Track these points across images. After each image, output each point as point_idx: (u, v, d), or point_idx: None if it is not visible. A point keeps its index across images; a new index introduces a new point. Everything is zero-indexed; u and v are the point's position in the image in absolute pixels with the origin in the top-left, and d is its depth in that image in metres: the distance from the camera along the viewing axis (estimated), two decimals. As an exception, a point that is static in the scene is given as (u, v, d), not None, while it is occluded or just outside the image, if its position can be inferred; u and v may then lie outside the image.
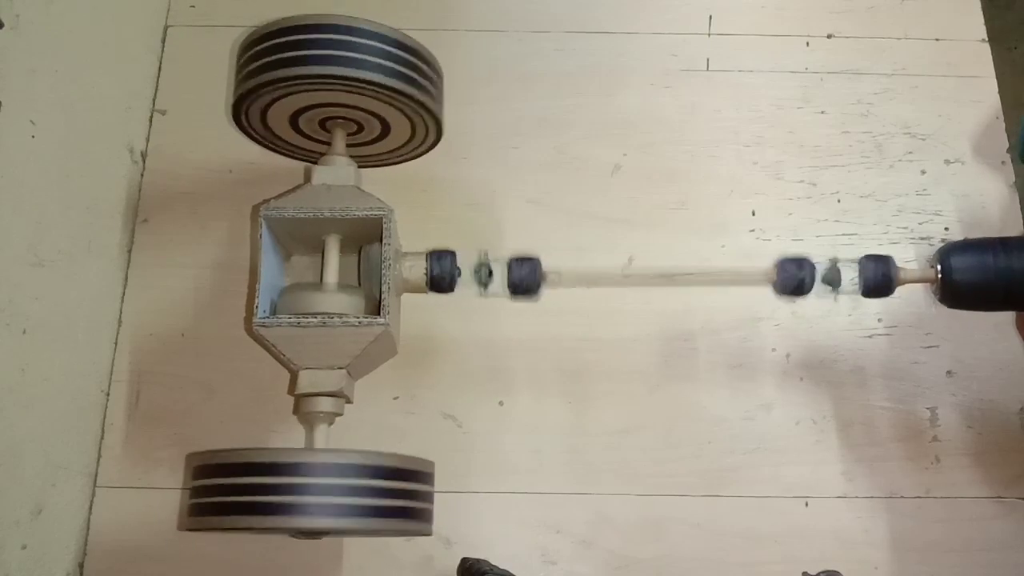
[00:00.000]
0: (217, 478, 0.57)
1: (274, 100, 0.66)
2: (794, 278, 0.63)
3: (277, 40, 0.63)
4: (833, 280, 0.63)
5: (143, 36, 0.80)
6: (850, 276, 0.63)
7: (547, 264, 0.64)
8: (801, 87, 0.82)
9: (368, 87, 0.63)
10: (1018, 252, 0.59)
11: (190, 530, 0.61)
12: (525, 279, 0.64)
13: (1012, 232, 0.77)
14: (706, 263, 0.75)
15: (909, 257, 0.76)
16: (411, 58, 0.65)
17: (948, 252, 0.61)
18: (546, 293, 0.65)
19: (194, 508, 0.58)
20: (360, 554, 0.68)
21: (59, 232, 0.65)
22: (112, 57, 0.74)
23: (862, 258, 0.63)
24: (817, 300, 0.65)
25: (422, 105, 0.66)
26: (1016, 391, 0.73)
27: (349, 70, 0.62)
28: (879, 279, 0.62)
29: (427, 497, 0.61)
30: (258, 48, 0.64)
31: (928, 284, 0.63)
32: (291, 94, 0.65)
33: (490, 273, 0.64)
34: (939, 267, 0.61)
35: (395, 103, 0.66)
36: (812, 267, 0.63)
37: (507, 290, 0.64)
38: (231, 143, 0.76)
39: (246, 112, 0.67)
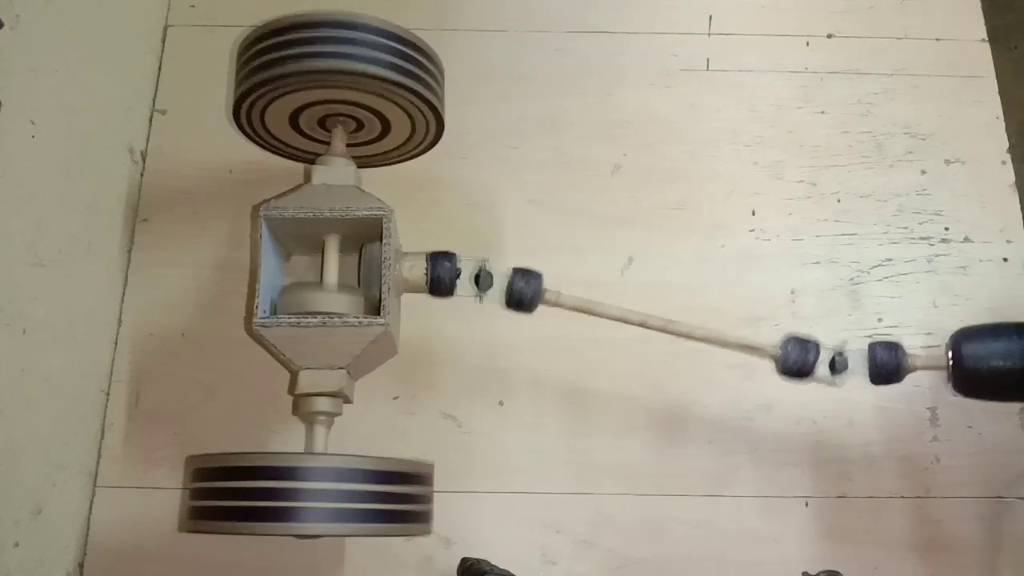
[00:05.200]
0: (216, 482, 0.57)
1: (274, 99, 0.66)
2: (798, 361, 0.61)
3: (278, 38, 0.63)
4: (840, 367, 0.62)
5: (143, 36, 0.80)
6: (856, 362, 0.61)
7: (548, 274, 0.65)
8: (801, 87, 0.82)
9: (369, 81, 0.63)
10: None
11: (189, 532, 0.61)
12: (522, 291, 0.63)
13: (1013, 233, 0.77)
14: (706, 263, 0.75)
15: (909, 258, 0.76)
16: (412, 52, 0.65)
17: (960, 338, 0.59)
18: (548, 285, 0.65)
19: (193, 511, 0.58)
20: (360, 554, 0.68)
21: (59, 232, 0.65)
22: (112, 57, 0.74)
23: (871, 344, 0.61)
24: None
25: (423, 98, 0.66)
26: (1016, 391, 0.73)
27: (350, 64, 0.62)
28: (887, 367, 0.60)
29: (426, 499, 0.61)
30: (259, 46, 0.64)
31: (941, 371, 0.60)
32: (292, 91, 0.65)
33: (490, 280, 0.64)
34: (951, 353, 0.59)
35: (396, 98, 0.66)
36: (817, 351, 0.61)
37: (504, 298, 0.64)
38: (231, 143, 0.76)
39: (247, 112, 0.67)
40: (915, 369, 0.61)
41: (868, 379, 0.61)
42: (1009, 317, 0.74)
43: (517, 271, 0.64)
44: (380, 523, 0.56)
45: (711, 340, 0.65)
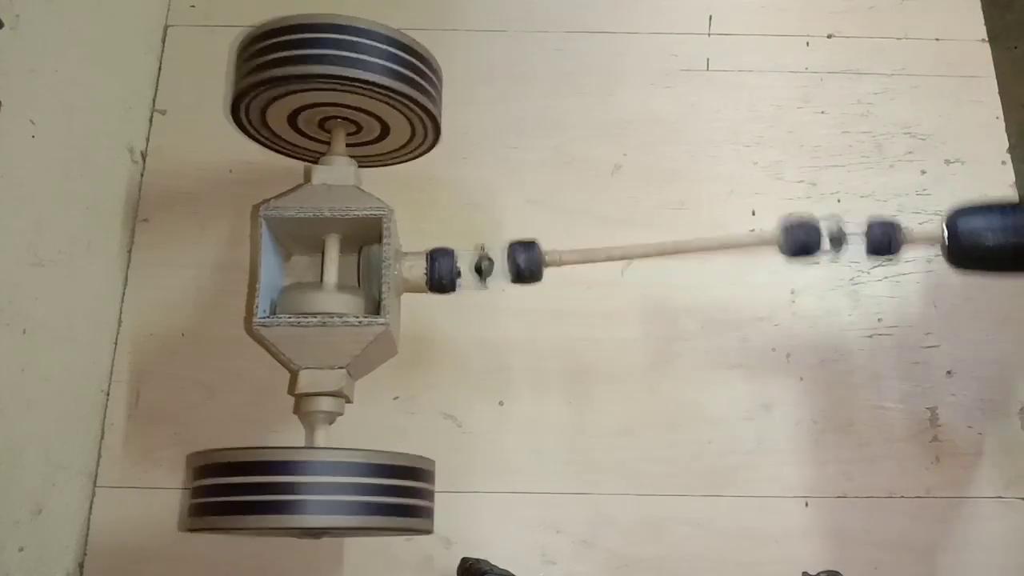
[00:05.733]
0: (218, 478, 0.57)
1: (273, 99, 0.66)
2: (800, 241, 0.63)
3: (276, 39, 0.63)
4: (838, 243, 0.63)
5: (143, 36, 0.80)
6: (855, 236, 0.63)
7: (548, 274, 0.64)
8: (801, 87, 0.82)
9: (367, 87, 0.63)
10: None
11: (191, 531, 0.61)
12: (525, 262, 0.63)
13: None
14: (706, 263, 0.75)
15: (909, 258, 0.76)
16: (410, 58, 0.65)
17: (957, 213, 0.60)
18: (549, 288, 0.65)
19: (195, 508, 0.58)
20: (360, 554, 0.68)
21: (59, 232, 0.65)
22: (112, 57, 0.74)
23: (870, 223, 0.63)
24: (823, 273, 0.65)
25: (420, 106, 0.66)
26: (1016, 391, 0.73)
27: (348, 70, 0.62)
28: (883, 243, 0.62)
29: (428, 495, 0.61)
30: (257, 47, 0.64)
31: (936, 245, 0.62)
32: (290, 93, 0.65)
33: (491, 264, 0.64)
34: (946, 230, 0.60)
35: (394, 104, 0.66)
36: (817, 230, 0.63)
37: (509, 276, 0.64)
38: (231, 143, 0.76)
39: (245, 110, 0.67)
40: (911, 242, 0.62)
41: (866, 251, 0.63)
42: (1009, 317, 0.74)
43: (514, 245, 0.64)
44: (382, 516, 0.56)
45: (713, 247, 0.66)
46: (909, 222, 0.76)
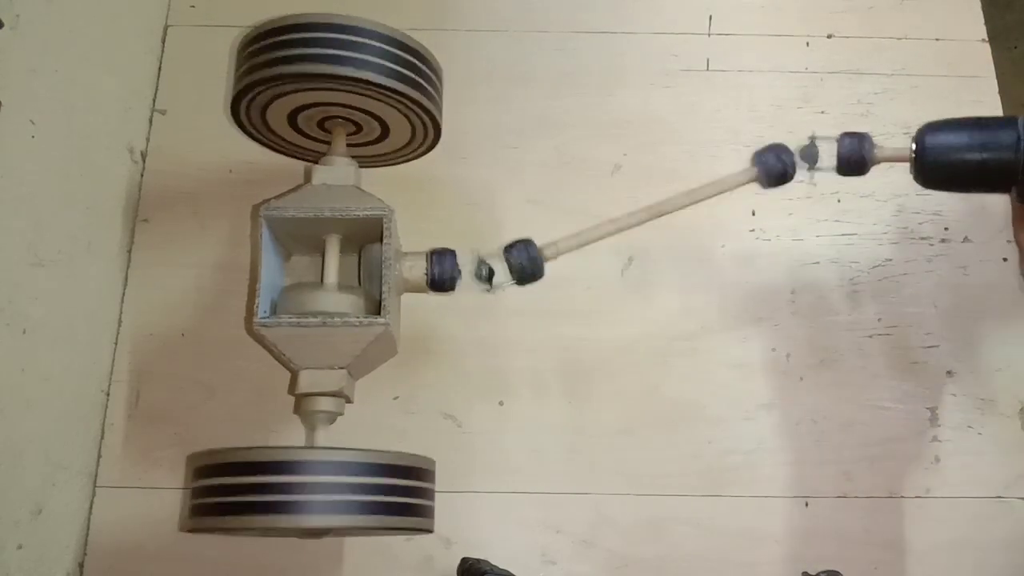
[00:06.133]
0: (218, 478, 0.57)
1: (273, 98, 0.66)
2: (775, 168, 0.63)
3: (276, 38, 0.63)
4: (810, 157, 0.63)
5: (143, 36, 0.80)
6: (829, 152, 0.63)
7: (548, 274, 0.64)
8: (801, 87, 0.82)
9: (367, 87, 0.63)
10: (993, 130, 0.57)
11: (191, 531, 0.61)
12: (528, 264, 0.63)
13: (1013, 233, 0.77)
14: (706, 263, 0.75)
15: (909, 258, 0.76)
16: (410, 58, 0.65)
17: (924, 130, 0.59)
18: (548, 288, 0.65)
19: (196, 509, 0.58)
20: (360, 554, 0.68)
21: (59, 232, 0.65)
22: (112, 57, 0.74)
23: (840, 135, 0.63)
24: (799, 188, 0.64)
25: (420, 106, 0.66)
26: (1016, 391, 0.73)
27: (348, 69, 0.62)
28: (854, 155, 0.62)
29: (428, 494, 0.61)
30: (257, 45, 0.64)
31: (905, 162, 0.61)
32: (289, 92, 0.65)
33: (491, 271, 0.64)
34: (914, 145, 0.60)
35: (394, 103, 0.66)
36: (790, 152, 0.63)
37: (512, 279, 0.64)
38: (231, 143, 0.76)
39: (246, 110, 0.67)
40: (880, 160, 0.62)
41: (836, 169, 0.62)
42: (1009, 317, 0.74)
43: (509, 247, 0.64)
44: (382, 515, 0.56)
45: (696, 200, 0.65)
46: (909, 223, 0.77)
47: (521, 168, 0.78)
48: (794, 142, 0.79)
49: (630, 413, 0.71)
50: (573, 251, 0.64)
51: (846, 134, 0.62)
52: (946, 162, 0.58)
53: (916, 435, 0.71)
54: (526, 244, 0.64)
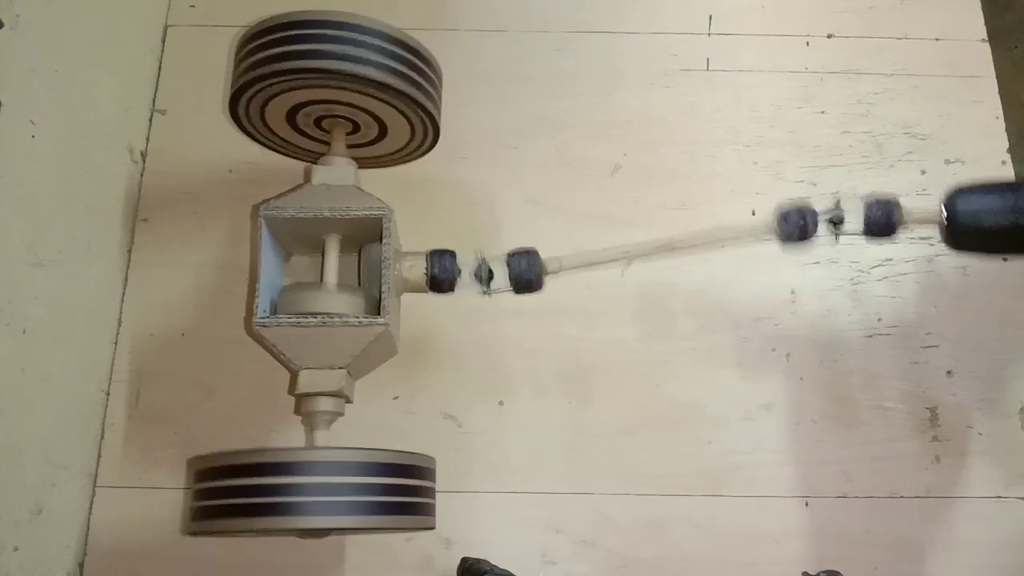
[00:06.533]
0: (219, 480, 0.57)
1: (272, 95, 0.66)
2: (796, 226, 0.62)
3: (275, 35, 0.63)
4: (836, 220, 0.62)
5: (143, 36, 0.80)
6: (854, 217, 0.62)
7: (545, 256, 0.65)
8: (801, 87, 0.82)
9: (365, 83, 0.63)
10: None
11: (194, 534, 0.60)
12: (526, 273, 0.63)
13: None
14: (706, 263, 0.75)
15: (909, 258, 0.76)
16: (410, 56, 0.65)
17: (954, 194, 0.59)
18: (548, 288, 0.65)
19: (197, 511, 0.58)
20: (360, 554, 0.68)
21: (59, 232, 0.65)
22: (112, 57, 0.74)
23: (866, 198, 0.62)
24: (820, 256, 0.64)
25: (419, 105, 0.66)
26: (1016, 391, 0.73)
27: (346, 65, 0.62)
28: (882, 220, 0.61)
29: (429, 492, 0.61)
30: (256, 43, 0.64)
31: (935, 226, 0.60)
32: (288, 89, 0.65)
33: (491, 273, 0.64)
34: (944, 210, 0.59)
35: (392, 102, 0.66)
36: (814, 212, 0.62)
37: (511, 286, 0.64)
38: (231, 143, 0.76)
39: (244, 107, 0.67)
40: (909, 223, 0.61)
41: (863, 232, 0.62)
42: (1009, 317, 0.74)
43: (513, 255, 0.64)
44: (383, 515, 0.56)
45: (711, 242, 0.65)
46: (909, 230, 0.77)
47: (521, 168, 0.78)
48: (794, 143, 0.80)
49: (630, 413, 0.71)
50: (576, 269, 0.65)
51: (874, 200, 0.61)
52: (978, 226, 0.58)
53: (916, 435, 0.71)
54: (529, 254, 0.64)
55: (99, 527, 0.68)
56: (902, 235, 0.62)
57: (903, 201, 0.62)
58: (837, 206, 0.62)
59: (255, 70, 0.63)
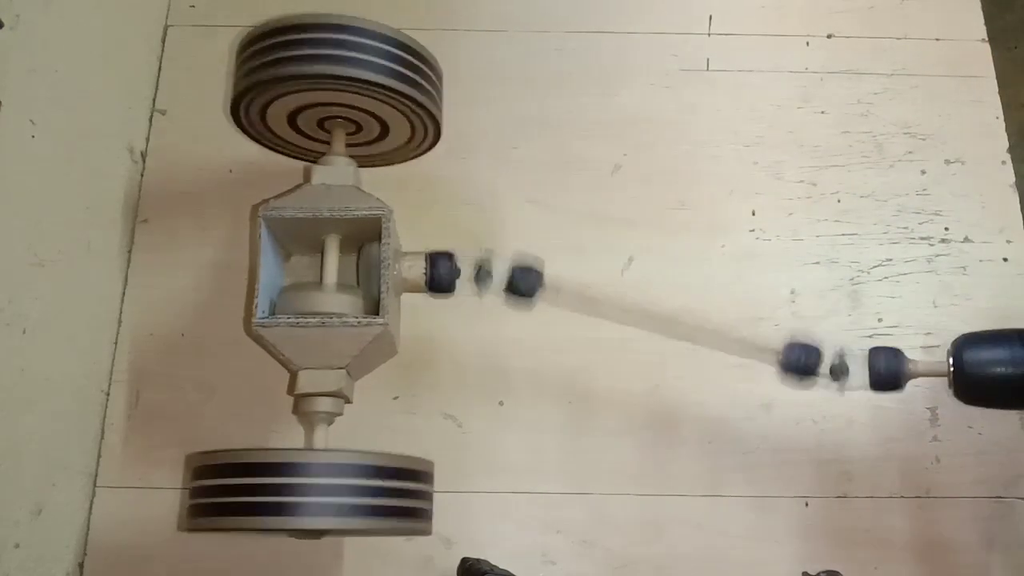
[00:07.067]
0: (217, 479, 0.57)
1: (273, 99, 0.66)
2: (800, 365, 0.61)
3: (276, 39, 0.63)
4: (840, 372, 0.62)
5: (143, 36, 0.80)
6: (857, 368, 0.61)
7: (548, 274, 0.65)
8: (801, 87, 0.82)
9: (366, 87, 0.63)
10: None
11: (190, 531, 0.61)
12: (521, 284, 0.64)
13: (1013, 233, 0.77)
14: (706, 263, 0.75)
15: (909, 258, 0.76)
16: (410, 58, 0.65)
17: (961, 345, 0.58)
18: (548, 285, 0.65)
19: (194, 509, 0.58)
20: (360, 554, 0.68)
21: (59, 232, 0.65)
22: (112, 57, 0.74)
23: (872, 351, 0.61)
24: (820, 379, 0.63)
25: (420, 106, 0.66)
26: (1016, 391, 0.72)
27: (347, 69, 0.62)
28: (888, 371, 0.60)
29: (426, 496, 0.61)
30: (257, 47, 0.64)
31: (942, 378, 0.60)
32: (290, 93, 0.65)
33: (489, 276, 0.64)
34: (951, 360, 0.58)
35: (393, 103, 0.66)
36: (819, 354, 0.61)
37: (505, 294, 0.64)
38: (231, 143, 0.76)
39: (245, 110, 0.67)
40: (915, 376, 0.61)
41: (868, 386, 0.61)
42: (1009, 317, 0.74)
43: (518, 268, 0.64)
44: (380, 518, 0.57)
45: (713, 343, 0.65)
46: (909, 223, 0.77)
47: (521, 168, 0.78)
48: (794, 143, 0.80)
49: (630, 413, 0.71)
50: (572, 308, 0.66)
51: (880, 352, 0.60)
52: (987, 376, 0.56)
53: (916, 435, 0.71)
54: (533, 272, 0.64)
55: (99, 527, 0.68)
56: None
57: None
58: (841, 360, 0.61)
59: (256, 75, 0.63)
